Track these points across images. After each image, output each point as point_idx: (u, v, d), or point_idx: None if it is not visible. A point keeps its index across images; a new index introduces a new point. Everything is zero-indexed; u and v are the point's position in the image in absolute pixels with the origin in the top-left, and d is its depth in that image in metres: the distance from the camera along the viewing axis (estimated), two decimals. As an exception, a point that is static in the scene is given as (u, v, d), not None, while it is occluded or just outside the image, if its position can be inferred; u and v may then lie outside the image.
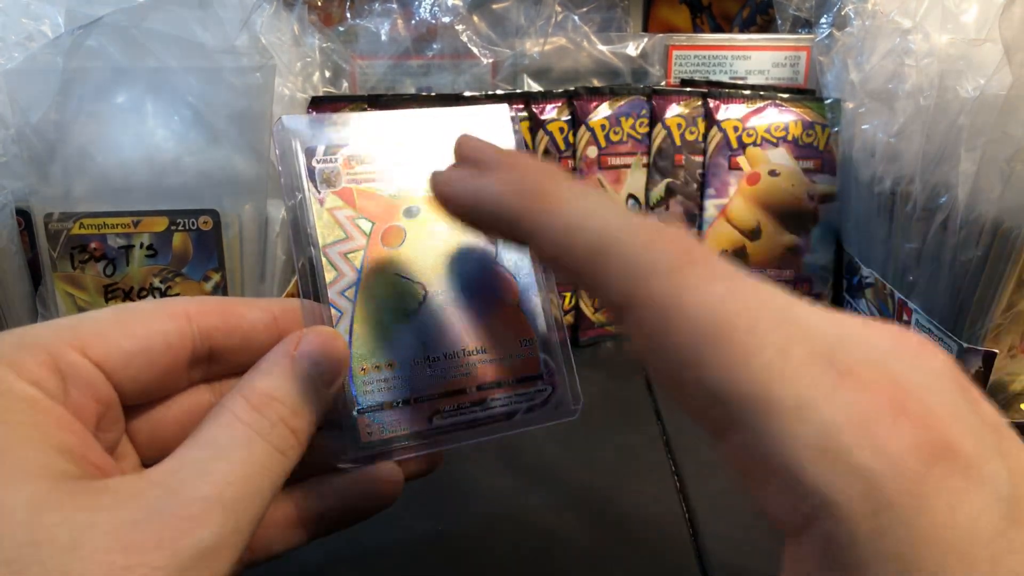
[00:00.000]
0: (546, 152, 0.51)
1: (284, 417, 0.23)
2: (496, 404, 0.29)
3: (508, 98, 0.51)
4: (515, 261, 0.30)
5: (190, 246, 0.42)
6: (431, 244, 0.29)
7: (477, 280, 0.29)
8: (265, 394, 0.23)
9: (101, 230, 0.41)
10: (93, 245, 0.41)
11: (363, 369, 0.27)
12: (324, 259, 0.28)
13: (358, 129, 0.29)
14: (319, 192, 0.28)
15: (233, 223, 0.42)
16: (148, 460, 0.25)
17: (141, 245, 0.42)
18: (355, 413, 0.27)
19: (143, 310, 0.24)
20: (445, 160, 0.29)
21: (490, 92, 0.51)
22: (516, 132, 0.32)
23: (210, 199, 0.41)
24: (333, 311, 0.27)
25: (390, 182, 0.29)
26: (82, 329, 0.23)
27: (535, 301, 0.30)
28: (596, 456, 0.41)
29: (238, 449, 0.21)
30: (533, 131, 0.51)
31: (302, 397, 0.23)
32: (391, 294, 0.28)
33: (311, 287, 0.27)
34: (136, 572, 0.18)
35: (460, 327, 0.29)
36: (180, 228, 0.41)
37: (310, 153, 0.28)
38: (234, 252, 0.42)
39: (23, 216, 0.41)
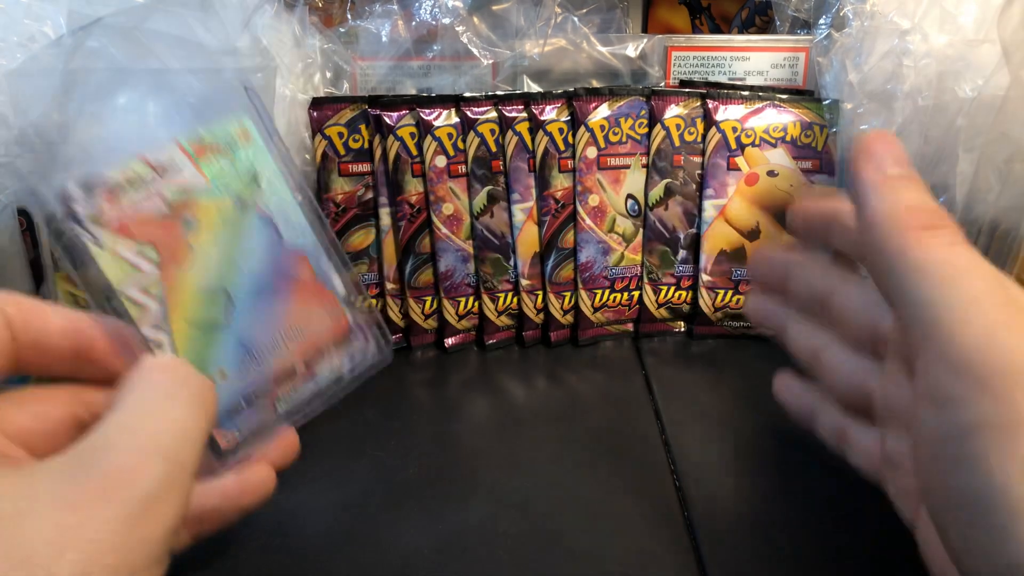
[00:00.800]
0: (546, 153, 0.51)
1: (193, 372, 0.24)
2: (325, 372, 0.31)
3: (508, 99, 0.51)
4: (298, 237, 0.31)
5: (191, 246, 0.42)
6: (218, 249, 0.29)
7: (271, 267, 0.30)
8: (168, 360, 0.25)
9: (102, 230, 0.41)
10: (94, 245, 0.41)
11: None
12: (124, 300, 0.27)
13: (102, 156, 0.28)
14: (94, 235, 0.27)
15: (234, 223, 0.42)
16: None
17: (142, 245, 0.42)
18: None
19: None
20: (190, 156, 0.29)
21: (490, 93, 0.51)
22: (254, 102, 0.32)
23: (211, 199, 0.42)
24: (152, 345, 0.27)
25: (158, 200, 0.28)
26: None
27: (326, 265, 0.31)
28: (595, 456, 0.41)
29: (161, 401, 0.22)
30: (533, 131, 0.51)
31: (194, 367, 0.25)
32: (199, 309, 0.28)
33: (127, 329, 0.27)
34: (88, 528, 0.18)
35: (272, 317, 0.30)
36: (181, 228, 0.42)
37: (66, 199, 0.26)
38: (235, 252, 0.42)
39: (25, 216, 0.41)
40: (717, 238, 0.53)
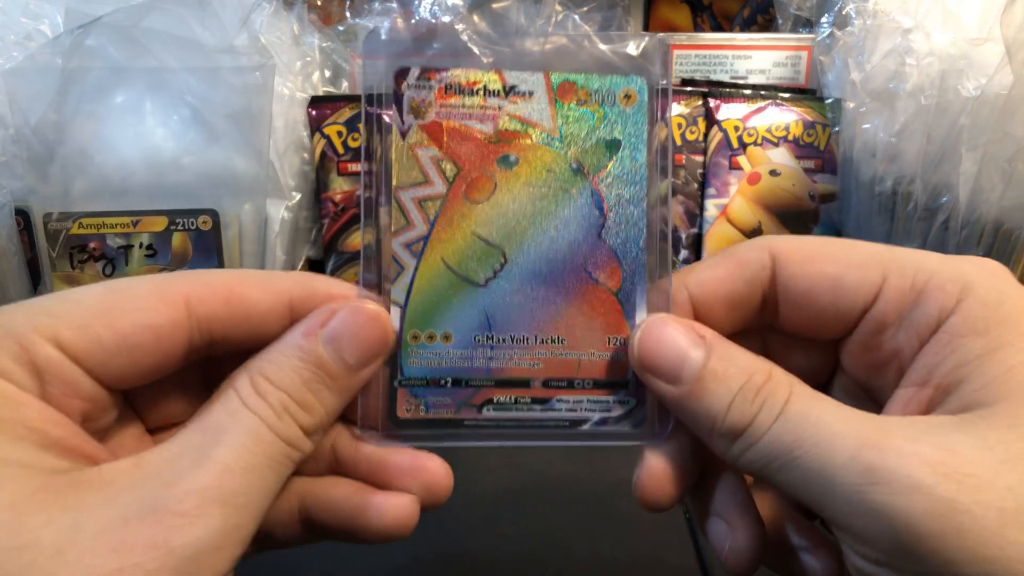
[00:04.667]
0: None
1: (290, 409, 0.20)
2: (562, 407, 0.24)
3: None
4: (625, 239, 0.24)
5: (189, 246, 0.42)
6: (524, 203, 0.24)
7: (572, 255, 0.24)
8: (271, 382, 0.20)
9: (100, 230, 0.41)
10: (92, 245, 0.41)
11: (415, 336, 0.23)
12: (394, 202, 0.24)
13: (467, 53, 0.24)
14: (403, 122, 0.24)
15: (232, 223, 0.42)
16: (154, 428, 0.23)
17: (140, 245, 0.41)
18: (396, 383, 0.23)
19: (136, 295, 0.21)
20: (550, 110, 0.24)
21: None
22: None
23: (209, 199, 0.41)
24: (394, 264, 0.24)
25: (490, 121, 0.24)
26: (61, 318, 0.20)
27: (639, 292, 0.24)
28: (595, 455, 0.41)
29: (241, 436, 0.19)
30: (533, 131, 0.51)
31: (314, 389, 0.21)
32: (464, 256, 0.24)
33: (374, 234, 0.24)
34: (127, 575, 0.16)
35: (538, 308, 0.24)
36: (179, 228, 0.41)
37: (400, 75, 0.23)
38: (233, 252, 0.42)
39: (22, 216, 0.41)
40: (719, 237, 0.53)
